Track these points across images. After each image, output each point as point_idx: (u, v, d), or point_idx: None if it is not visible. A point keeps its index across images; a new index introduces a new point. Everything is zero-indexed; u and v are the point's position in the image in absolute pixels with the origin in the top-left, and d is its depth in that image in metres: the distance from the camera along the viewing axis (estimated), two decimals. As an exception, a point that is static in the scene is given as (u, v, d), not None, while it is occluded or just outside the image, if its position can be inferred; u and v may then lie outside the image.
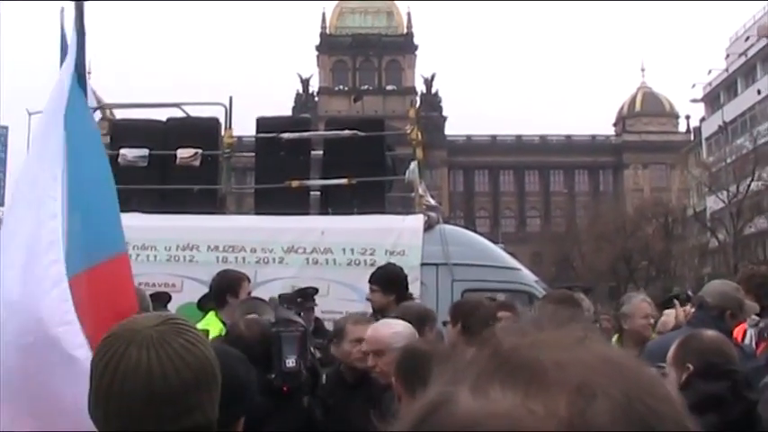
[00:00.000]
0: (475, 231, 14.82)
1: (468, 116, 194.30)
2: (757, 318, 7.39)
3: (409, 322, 7.65)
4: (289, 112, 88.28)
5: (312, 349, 6.91)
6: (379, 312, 7.91)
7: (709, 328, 6.59)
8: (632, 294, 9.57)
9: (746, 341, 7.21)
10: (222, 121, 13.04)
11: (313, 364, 6.79)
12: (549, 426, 0.94)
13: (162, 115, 13.33)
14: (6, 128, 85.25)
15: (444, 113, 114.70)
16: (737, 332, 7.43)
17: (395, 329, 5.89)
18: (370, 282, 8.81)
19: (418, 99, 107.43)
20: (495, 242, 13.98)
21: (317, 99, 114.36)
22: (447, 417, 0.99)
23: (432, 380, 1.07)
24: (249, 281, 8.86)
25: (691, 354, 4.95)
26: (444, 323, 7.54)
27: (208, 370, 2.46)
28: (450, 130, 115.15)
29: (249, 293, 8.62)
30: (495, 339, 1.07)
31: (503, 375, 0.99)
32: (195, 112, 13.67)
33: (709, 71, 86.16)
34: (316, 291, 9.48)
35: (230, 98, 13.17)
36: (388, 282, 8.82)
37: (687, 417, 1.02)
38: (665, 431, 0.98)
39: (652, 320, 8.46)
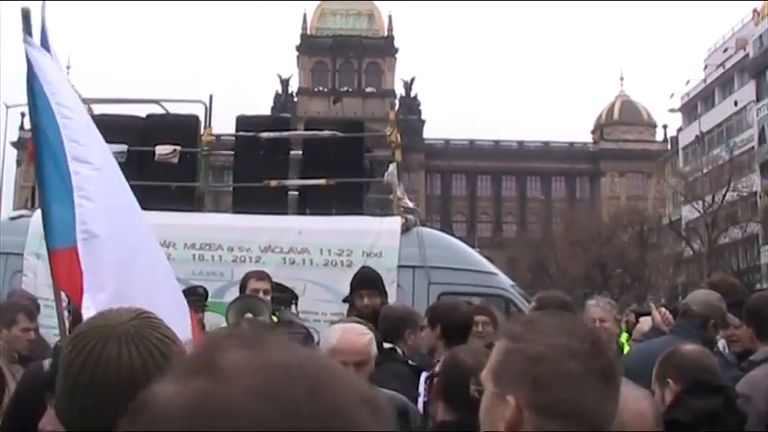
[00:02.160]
0: (452, 235, 14.80)
1: (446, 120, 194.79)
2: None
3: (394, 324, 7.69)
4: (268, 112, 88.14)
5: None
6: (370, 317, 7.89)
7: (693, 337, 6.64)
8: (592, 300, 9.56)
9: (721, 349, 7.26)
10: (202, 118, 12.98)
11: None
12: None
13: (141, 111, 13.26)
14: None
15: (423, 117, 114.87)
16: None
17: (368, 336, 5.81)
18: (364, 287, 8.80)
19: (397, 102, 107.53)
20: (471, 246, 14.00)
21: (296, 99, 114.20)
22: (148, 413, 1.11)
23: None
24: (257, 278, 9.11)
25: (671, 369, 4.96)
26: (422, 327, 7.51)
27: None
28: (429, 133, 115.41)
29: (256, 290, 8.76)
30: (205, 339, 1.20)
31: (195, 371, 1.11)
32: (175, 108, 13.62)
33: (687, 81, 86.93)
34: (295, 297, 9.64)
35: (210, 96, 13.12)
36: (381, 285, 8.90)
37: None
38: None
39: (606, 324, 8.40)
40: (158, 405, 1.09)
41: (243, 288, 9.09)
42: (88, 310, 4.28)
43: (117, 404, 2.31)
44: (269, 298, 8.80)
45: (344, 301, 9.95)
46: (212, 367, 1.09)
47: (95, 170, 4.98)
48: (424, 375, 6.89)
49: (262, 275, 9.18)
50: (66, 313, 5.59)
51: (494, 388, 2.31)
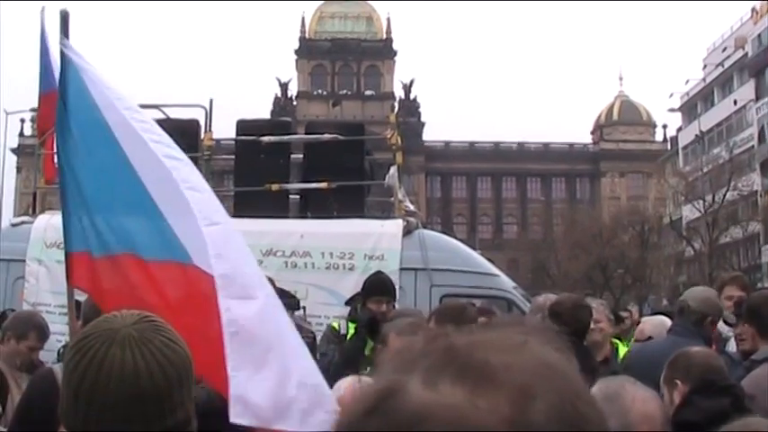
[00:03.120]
0: (453, 237, 14.81)
1: (446, 122, 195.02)
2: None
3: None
4: (267, 116, 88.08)
5: None
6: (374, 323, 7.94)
7: (692, 336, 6.65)
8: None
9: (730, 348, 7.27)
10: (202, 122, 12.98)
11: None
12: (492, 421, 1.02)
13: (141, 116, 13.25)
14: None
15: (422, 119, 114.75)
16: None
17: None
18: (380, 293, 8.78)
19: (396, 104, 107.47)
20: (472, 248, 14.01)
21: (295, 103, 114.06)
22: (399, 404, 1.05)
23: (381, 366, 1.16)
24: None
25: (679, 371, 4.97)
26: None
27: (187, 367, 2.46)
28: (429, 135, 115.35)
29: None
30: (447, 335, 1.14)
31: (453, 371, 1.06)
32: (175, 113, 13.61)
33: (687, 81, 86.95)
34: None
35: (210, 100, 13.12)
36: (395, 292, 8.93)
37: (606, 419, 1.12)
38: (590, 431, 1.07)
39: (601, 325, 8.37)
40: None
41: None
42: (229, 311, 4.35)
43: (120, 407, 2.32)
44: None
45: (347, 303, 9.96)
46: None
47: (187, 165, 5.04)
48: None
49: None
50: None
51: None
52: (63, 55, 5.19)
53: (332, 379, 6.47)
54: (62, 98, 5.10)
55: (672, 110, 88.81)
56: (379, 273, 9.59)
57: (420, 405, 1.03)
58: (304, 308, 10.24)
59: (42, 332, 7.38)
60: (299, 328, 6.40)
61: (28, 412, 5.37)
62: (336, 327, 9.06)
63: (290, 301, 9.84)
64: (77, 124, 5.02)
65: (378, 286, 8.92)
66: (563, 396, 1.06)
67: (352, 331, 8.71)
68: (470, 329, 1.16)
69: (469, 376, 1.05)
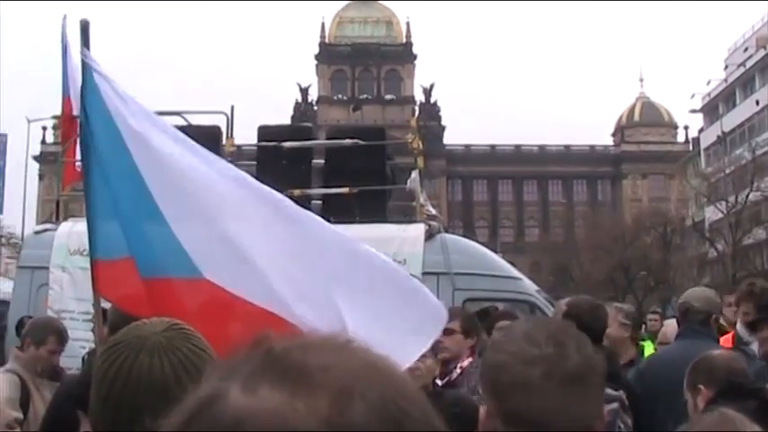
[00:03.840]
0: (475, 241, 14.80)
1: (466, 126, 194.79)
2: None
3: None
4: (287, 121, 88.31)
5: None
6: None
7: (701, 337, 6.67)
8: None
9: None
10: (224, 129, 13.02)
11: None
12: (311, 423, 1.01)
13: (163, 123, 13.28)
14: (5, 135, 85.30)
15: (443, 123, 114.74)
16: (724, 341, 7.51)
17: None
18: None
19: (417, 108, 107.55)
20: (494, 252, 13.98)
21: (315, 108, 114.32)
22: (217, 412, 1.05)
23: (205, 376, 1.16)
24: None
25: (702, 376, 4.96)
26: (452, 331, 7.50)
27: None
28: (449, 139, 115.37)
29: None
30: (268, 340, 1.13)
31: (272, 375, 1.06)
32: (196, 120, 13.65)
33: (708, 82, 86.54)
34: None
35: (232, 106, 13.15)
36: None
37: (436, 418, 1.11)
38: (416, 431, 1.06)
39: (609, 330, 8.35)
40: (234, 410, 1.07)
41: None
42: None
43: (149, 413, 2.33)
44: None
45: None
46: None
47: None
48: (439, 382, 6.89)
49: None
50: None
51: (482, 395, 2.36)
52: (84, 65, 5.23)
53: None
54: (84, 107, 5.14)
55: (693, 111, 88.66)
56: None
57: (238, 410, 1.03)
58: None
59: (61, 336, 7.40)
60: None
61: (53, 420, 5.40)
62: None
63: None
64: (97, 133, 5.06)
65: None
66: (384, 395, 1.05)
67: None
68: (293, 335, 1.16)
69: (288, 379, 1.05)
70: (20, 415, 6.83)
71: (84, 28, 5.42)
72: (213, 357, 2.51)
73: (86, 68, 5.20)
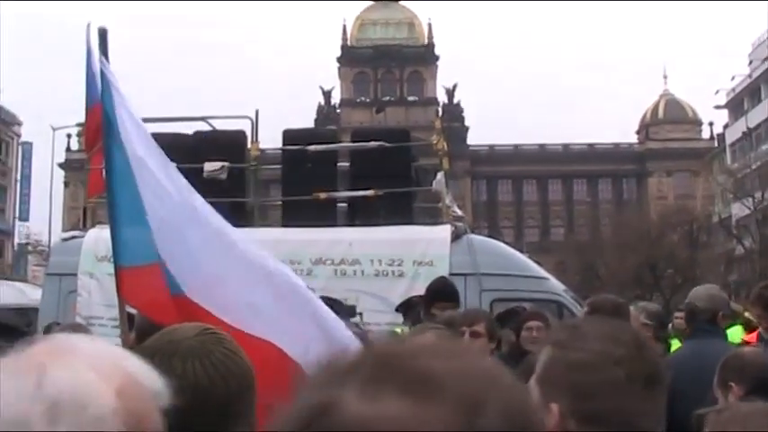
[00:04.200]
0: (500, 241, 14.78)
1: (490, 126, 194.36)
2: None
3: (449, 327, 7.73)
4: (311, 125, 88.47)
5: None
6: None
7: (711, 336, 6.68)
8: None
9: None
10: (248, 133, 13.06)
11: None
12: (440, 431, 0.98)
13: (188, 129, 13.34)
14: (31, 144, 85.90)
15: (466, 123, 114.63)
16: (749, 338, 7.50)
17: None
18: (446, 299, 8.76)
19: (440, 109, 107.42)
20: (519, 252, 13.95)
21: (338, 111, 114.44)
22: (336, 419, 1.00)
23: (307, 382, 1.09)
24: None
25: (732, 373, 4.96)
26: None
27: (249, 378, 2.47)
28: (473, 140, 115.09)
29: None
30: (374, 346, 1.10)
31: (393, 381, 1.01)
32: (221, 125, 13.70)
33: (733, 77, 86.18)
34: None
35: (257, 111, 13.20)
36: (458, 297, 8.93)
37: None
38: None
39: None
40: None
41: None
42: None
43: (181, 417, 2.33)
44: None
45: (397, 309, 9.97)
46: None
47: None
48: None
49: None
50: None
51: (539, 396, 2.31)
52: (102, 74, 5.27)
53: None
54: (106, 114, 5.18)
55: (718, 107, 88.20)
56: (442, 278, 9.58)
57: (360, 419, 0.99)
58: (360, 314, 10.26)
59: None
60: (359, 335, 6.42)
61: None
62: (400, 333, 9.08)
63: (346, 308, 9.89)
64: (117, 138, 5.11)
65: (444, 292, 8.91)
66: (511, 404, 1.03)
67: None
68: (400, 339, 1.13)
69: (411, 385, 1.00)
70: None
71: (103, 36, 5.43)
72: (246, 360, 2.51)
73: (104, 78, 5.25)
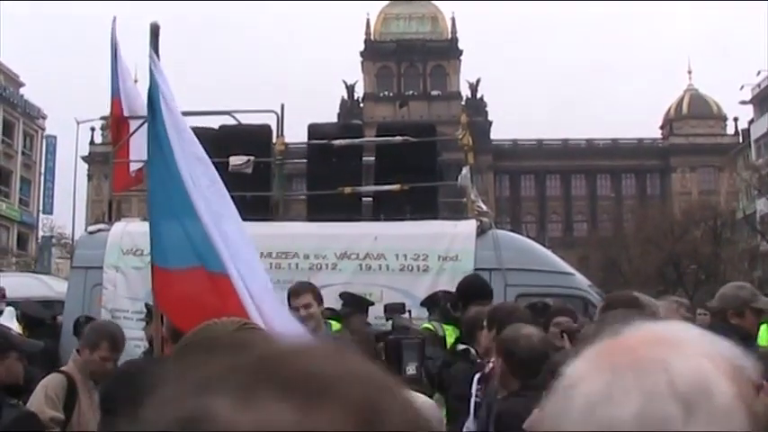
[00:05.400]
0: (524, 236, 14.76)
1: (513, 120, 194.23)
2: None
3: (468, 325, 7.80)
4: (334, 119, 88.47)
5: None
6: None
7: (725, 333, 6.64)
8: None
9: None
10: (274, 128, 13.06)
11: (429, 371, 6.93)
12: None
13: (214, 123, 13.35)
14: (55, 137, 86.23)
15: (490, 118, 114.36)
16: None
17: None
18: (484, 296, 8.77)
19: (463, 104, 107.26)
20: (542, 247, 13.92)
21: (362, 105, 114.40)
22: None
23: (175, 388, 0.97)
24: None
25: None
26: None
27: None
28: (496, 134, 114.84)
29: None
30: (253, 345, 0.99)
31: (273, 385, 0.92)
32: (246, 119, 13.69)
33: (758, 72, 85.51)
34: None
35: (282, 105, 13.18)
36: (492, 294, 8.95)
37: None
38: None
39: None
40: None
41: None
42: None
43: None
44: (313, 311, 8.06)
45: (422, 304, 9.97)
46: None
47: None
48: (476, 376, 6.90)
49: (298, 290, 8.39)
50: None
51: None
52: (151, 70, 5.26)
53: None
54: (152, 109, 5.17)
55: (743, 102, 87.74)
56: (476, 275, 9.58)
57: (233, 429, 0.88)
58: (410, 311, 10.23)
59: (114, 342, 7.21)
60: (407, 329, 6.46)
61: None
62: (432, 328, 9.08)
63: (396, 304, 9.96)
64: (162, 135, 5.11)
65: (482, 289, 8.92)
66: (405, 409, 0.97)
67: (453, 334, 8.75)
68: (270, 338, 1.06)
69: (297, 391, 0.91)
70: (58, 415, 6.79)
71: (155, 32, 5.42)
72: None
73: (152, 74, 5.24)
